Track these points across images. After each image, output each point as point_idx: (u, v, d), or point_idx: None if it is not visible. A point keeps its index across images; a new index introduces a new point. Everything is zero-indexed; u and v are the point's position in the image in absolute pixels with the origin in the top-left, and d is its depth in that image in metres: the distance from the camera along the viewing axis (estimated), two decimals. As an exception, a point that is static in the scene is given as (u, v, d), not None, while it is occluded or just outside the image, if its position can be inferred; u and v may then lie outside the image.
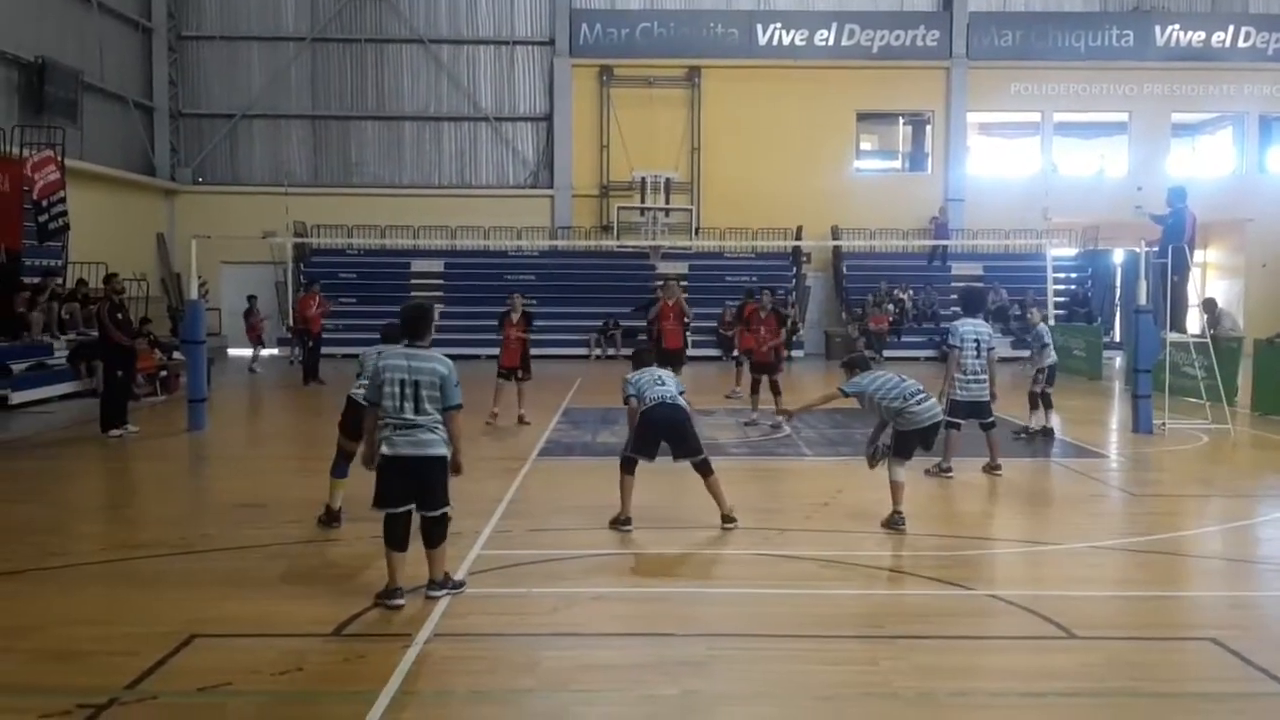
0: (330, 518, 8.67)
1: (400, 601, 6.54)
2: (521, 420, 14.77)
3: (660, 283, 17.16)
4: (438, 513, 6.63)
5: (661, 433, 8.60)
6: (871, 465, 9.09)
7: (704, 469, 8.69)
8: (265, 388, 21.75)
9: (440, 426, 6.58)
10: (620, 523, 8.59)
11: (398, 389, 6.49)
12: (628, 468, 8.68)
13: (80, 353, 18.11)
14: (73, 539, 8.69)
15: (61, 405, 17.29)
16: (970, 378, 10.73)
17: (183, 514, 9.66)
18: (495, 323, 15.35)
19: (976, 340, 10.71)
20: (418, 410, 6.50)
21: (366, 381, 8.44)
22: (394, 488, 6.55)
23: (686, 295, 29.52)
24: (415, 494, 6.56)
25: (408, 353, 6.62)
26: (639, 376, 8.87)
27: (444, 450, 6.60)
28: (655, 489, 9.48)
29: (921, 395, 8.77)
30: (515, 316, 14.85)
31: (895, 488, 8.75)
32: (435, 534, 6.66)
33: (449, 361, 6.67)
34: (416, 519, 6.67)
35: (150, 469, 12.31)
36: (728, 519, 8.63)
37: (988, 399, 10.83)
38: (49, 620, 6.39)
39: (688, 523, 8.81)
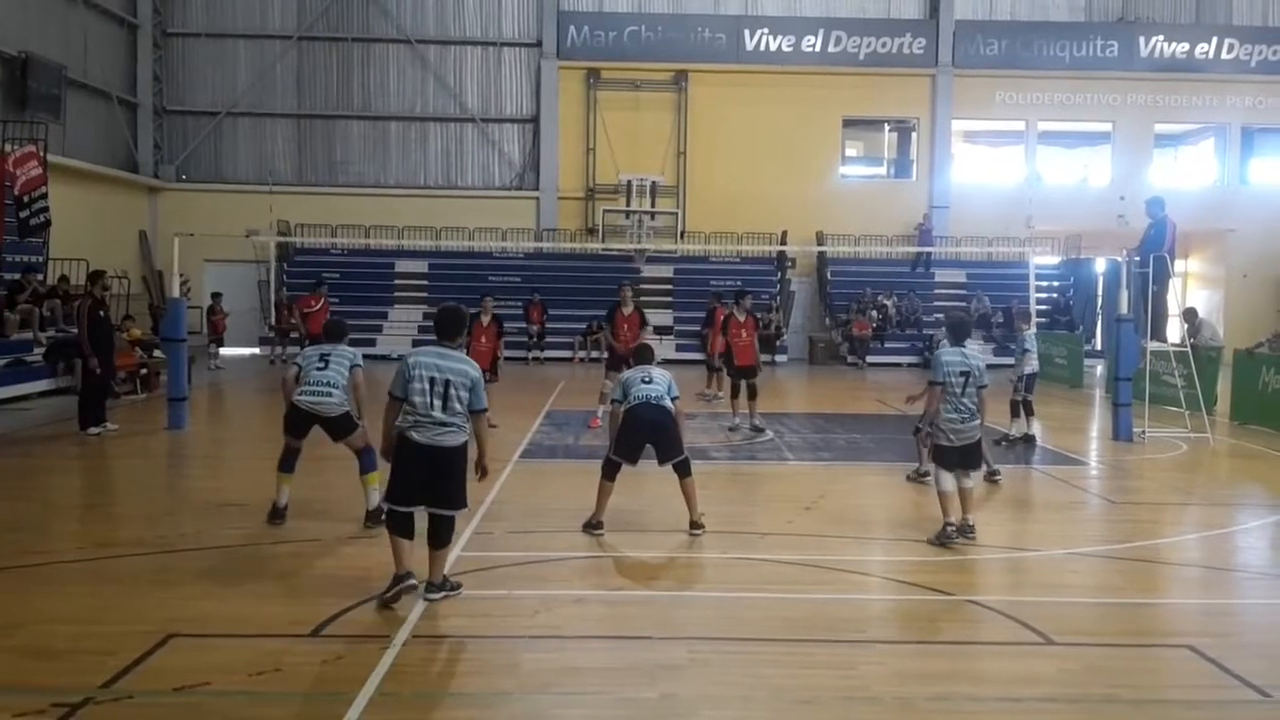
0: (275, 514, 8.75)
1: (412, 581, 6.59)
2: (489, 424, 14.47)
3: (620, 285, 16.38)
4: (452, 513, 6.66)
5: (645, 434, 8.57)
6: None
7: (683, 470, 8.67)
8: (246, 387, 21.64)
9: (465, 425, 6.63)
10: (592, 526, 8.57)
11: (428, 385, 6.53)
12: (609, 473, 8.64)
13: (58, 350, 17.97)
14: (51, 537, 8.63)
15: (40, 402, 17.17)
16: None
17: (162, 513, 9.60)
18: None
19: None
20: (445, 408, 6.54)
21: (310, 387, 8.48)
22: (410, 478, 6.54)
23: (671, 299, 29.67)
24: (430, 489, 6.55)
25: (440, 352, 6.70)
26: (628, 375, 8.86)
27: (463, 439, 6.62)
28: (635, 493, 9.48)
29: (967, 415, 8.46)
30: (486, 320, 14.58)
31: (941, 498, 8.49)
32: (444, 534, 6.68)
33: (478, 365, 6.82)
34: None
35: (129, 467, 12.23)
36: (696, 525, 8.60)
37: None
38: (26, 618, 6.35)
39: (668, 526, 8.79)
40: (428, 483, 6.55)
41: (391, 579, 6.62)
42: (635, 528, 8.76)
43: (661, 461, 8.70)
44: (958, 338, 8.89)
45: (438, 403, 6.53)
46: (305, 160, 32.01)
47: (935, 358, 8.72)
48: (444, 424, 6.54)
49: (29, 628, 6.18)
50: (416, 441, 6.54)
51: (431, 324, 6.98)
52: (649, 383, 8.69)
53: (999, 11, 32.37)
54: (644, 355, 9.33)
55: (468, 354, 14.62)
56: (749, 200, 30.53)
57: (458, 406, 6.58)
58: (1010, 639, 6.32)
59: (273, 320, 27.34)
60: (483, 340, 14.50)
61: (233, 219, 27.00)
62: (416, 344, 6.97)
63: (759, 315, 15.60)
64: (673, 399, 8.73)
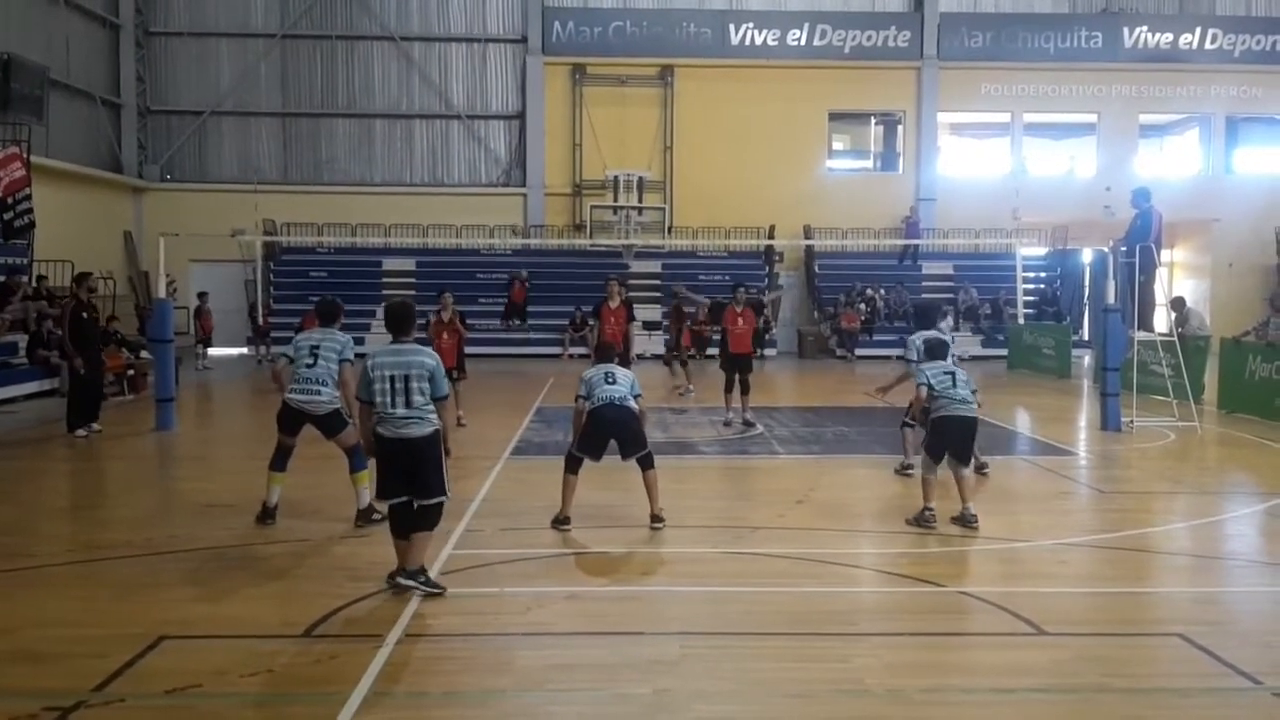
0: (265, 514, 8.72)
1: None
2: (459, 423, 14.15)
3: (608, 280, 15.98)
4: (433, 501, 6.78)
5: (609, 433, 8.56)
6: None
7: (645, 463, 8.65)
8: (233, 387, 21.57)
9: (430, 414, 6.78)
10: (559, 522, 8.55)
11: (388, 384, 6.71)
12: (571, 467, 8.65)
13: (31, 347, 17.90)
14: (39, 540, 8.59)
15: (28, 405, 17.09)
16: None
17: (151, 514, 9.56)
18: (424, 322, 13.94)
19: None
20: (408, 403, 6.71)
21: (299, 385, 8.49)
22: (388, 472, 6.78)
23: (659, 294, 29.57)
24: (408, 480, 6.74)
25: (395, 349, 6.87)
26: (591, 374, 8.82)
27: (429, 429, 6.76)
28: (623, 489, 9.46)
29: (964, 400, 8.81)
30: (446, 316, 14.27)
31: (923, 484, 8.84)
32: (427, 520, 6.80)
33: (435, 354, 6.95)
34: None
35: (118, 469, 12.18)
36: (656, 519, 8.60)
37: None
38: (16, 622, 6.31)
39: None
40: (405, 474, 6.75)
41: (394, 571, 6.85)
42: (624, 523, 8.75)
43: (625, 457, 8.70)
44: (926, 322, 9.14)
45: (400, 399, 6.71)
46: (290, 159, 31.89)
47: (919, 371, 9.15)
48: (406, 418, 6.71)
49: (19, 632, 6.14)
50: (385, 436, 6.76)
51: (385, 320, 7.08)
52: (612, 383, 8.65)
53: (983, 4, 32.43)
54: (605, 353, 9.28)
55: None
56: (736, 194, 30.54)
57: (419, 399, 6.73)
58: (1002, 630, 6.34)
59: (261, 321, 27.23)
60: (444, 338, 14.06)
61: (218, 219, 26.89)
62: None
63: (760, 301, 15.50)
64: (635, 397, 8.72)
